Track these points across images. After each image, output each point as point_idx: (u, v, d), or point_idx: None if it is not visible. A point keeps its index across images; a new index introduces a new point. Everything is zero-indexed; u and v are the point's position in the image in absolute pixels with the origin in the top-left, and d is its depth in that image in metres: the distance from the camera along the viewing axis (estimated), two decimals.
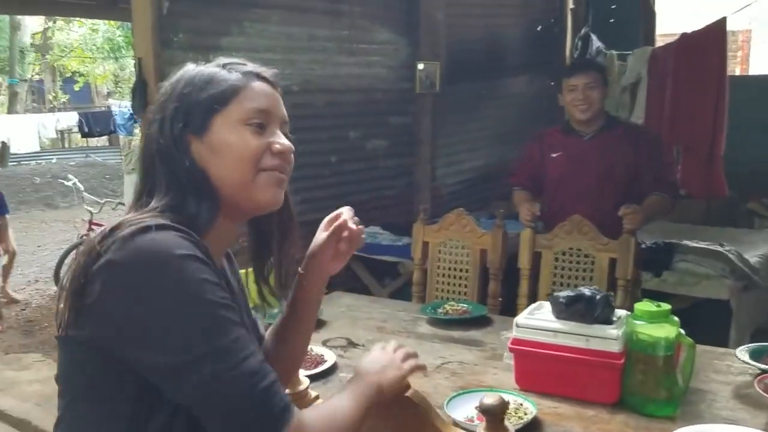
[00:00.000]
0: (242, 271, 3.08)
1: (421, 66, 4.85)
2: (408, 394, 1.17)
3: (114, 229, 0.95)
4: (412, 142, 5.05)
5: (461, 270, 2.91)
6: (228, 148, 1.03)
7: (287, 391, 1.32)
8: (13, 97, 15.99)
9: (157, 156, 1.04)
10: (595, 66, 3.11)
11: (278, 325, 1.26)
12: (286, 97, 3.99)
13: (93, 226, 6.31)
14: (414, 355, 1.23)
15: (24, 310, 5.64)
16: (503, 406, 1.14)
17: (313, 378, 1.81)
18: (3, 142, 12.67)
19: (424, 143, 5.05)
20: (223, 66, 1.08)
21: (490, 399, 1.14)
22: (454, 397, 1.68)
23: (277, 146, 1.06)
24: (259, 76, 1.09)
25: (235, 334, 0.92)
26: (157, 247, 0.91)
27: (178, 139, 1.03)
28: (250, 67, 1.09)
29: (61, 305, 0.97)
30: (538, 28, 6.00)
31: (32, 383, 4.04)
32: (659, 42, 5.82)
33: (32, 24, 16.77)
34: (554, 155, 3.06)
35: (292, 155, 1.09)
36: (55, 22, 17.04)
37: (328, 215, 1.28)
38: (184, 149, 1.03)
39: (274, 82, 1.11)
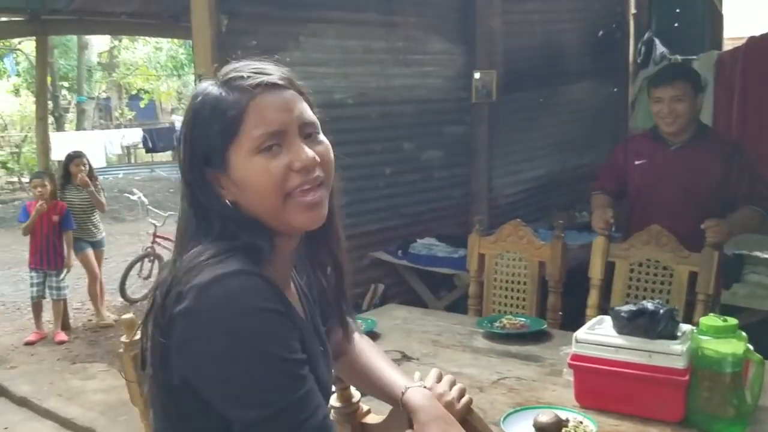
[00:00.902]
0: None
1: (477, 75, 4.80)
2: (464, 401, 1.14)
3: (190, 271, 0.93)
4: (468, 152, 5.00)
5: (519, 283, 2.85)
6: (249, 182, 0.97)
7: (339, 404, 1.31)
8: (81, 114, 16.63)
9: (190, 194, 1.01)
10: (684, 75, 2.86)
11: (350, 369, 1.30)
12: (340, 110, 4.00)
13: (157, 239, 6.50)
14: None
15: (91, 320, 5.82)
16: (558, 424, 1.11)
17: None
18: None
19: (480, 153, 5.00)
20: (224, 83, 0.99)
21: (545, 417, 1.11)
22: (511, 413, 1.64)
23: (297, 163, 0.98)
24: (263, 86, 0.98)
25: (305, 388, 0.92)
26: (234, 299, 0.90)
27: (204, 180, 1.00)
28: (251, 77, 0.98)
29: (144, 338, 1.00)
30: (599, 34, 5.88)
31: (97, 392, 4.19)
32: (726, 46, 5.61)
33: (99, 43, 17.44)
34: (638, 162, 2.92)
35: (328, 158, 1.02)
36: (120, 41, 17.67)
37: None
38: (211, 189, 1.00)
39: (280, 85, 1.00)
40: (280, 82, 0.99)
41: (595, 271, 2.69)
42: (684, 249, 2.56)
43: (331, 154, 1.03)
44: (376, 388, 1.26)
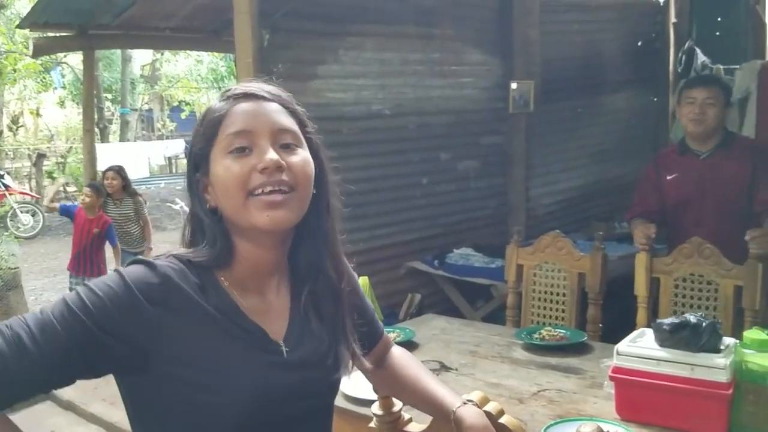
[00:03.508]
0: (363, 279, 3.09)
1: (514, 85, 4.81)
2: (503, 420, 1.15)
3: None
4: (505, 163, 5.00)
5: (558, 294, 2.84)
6: (218, 180, 1.03)
7: (381, 413, 1.33)
8: (124, 125, 17.05)
9: (189, 200, 1.10)
10: (719, 83, 2.97)
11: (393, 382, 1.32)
12: (377, 120, 4.07)
13: None
14: None
15: None
16: None
17: None
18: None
19: (517, 163, 4.99)
20: (221, 95, 1.10)
21: (587, 428, 1.11)
22: (551, 425, 1.64)
23: (260, 164, 1.01)
24: (244, 96, 1.06)
25: (34, 323, 0.93)
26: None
27: (194, 183, 1.08)
28: (237, 88, 1.07)
29: None
30: (639, 43, 5.83)
31: None
32: None
33: (141, 57, 17.87)
34: (670, 177, 2.93)
35: (301, 169, 1.04)
36: (162, 55, 18.08)
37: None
38: (197, 193, 1.07)
39: (261, 96, 1.06)
40: (265, 95, 1.06)
41: (641, 289, 2.64)
42: (727, 262, 2.50)
43: (308, 168, 1.05)
44: (422, 402, 1.27)
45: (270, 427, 1.05)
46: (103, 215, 5.30)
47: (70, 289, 5.31)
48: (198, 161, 1.06)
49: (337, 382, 1.17)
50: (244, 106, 1.04)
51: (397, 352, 1.36)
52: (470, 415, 1.16)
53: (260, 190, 1.01)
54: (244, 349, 1.04)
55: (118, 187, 5.46)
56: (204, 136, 1.05)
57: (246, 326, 1.05)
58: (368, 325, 1.27)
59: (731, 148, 2.85)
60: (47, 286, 7.53)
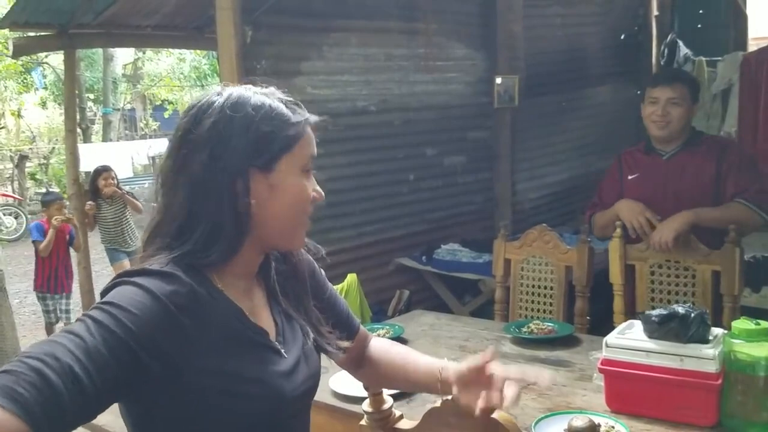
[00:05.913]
0: (351, 276, 3.08)
1: (498, 80, 4.81)
2: (495, 415, 1.14)
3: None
4: (491, 157, 5.00)
5: (545, 287, 2.84)
6: (289, 191, 1.05)
7: (371, 410, 1.32)
8: (107, 125, 16.88)
9: (202, 187, 1.01)
10: (683, 79, 2.71)
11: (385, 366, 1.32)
12: (362, 117, 4.07)
13: None
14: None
15: None
16: (593, 429, 1.11)
17: (396, 397, 1.80)
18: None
19: (503, 158, 5.00)
20: (285, 104, 1.07)
21: (579, 421, 1.11)
22: (542, 419, 1.63)
23: (317, 195, 1.10)
24: (310, 122, 1.10)
25: (79, 350, 0.85)
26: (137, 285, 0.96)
27: (242, 172, 1.01)
28: (305, 112, 1.10)
29: None
30: (622, 37, 5.86)
31: None
32: (751, 46, 5.56)
33: (123, 56, 17.70)
34: (631, 177, 2.76)
35: None
36: (144, 53, 17.92)
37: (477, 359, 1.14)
38: (245, 183, 1.02)
39: (314, 128, 1.12)
40: (313, 123, 1.11)
41: (615, 276, 2.62)
42: (704, 247, 2.46)
43: None
44: (410, 378, 1.28)
45: (273, 428, 1.07)
46: (66, 224, 5.18)
47: (48, 312, 5.21)
48: (259, 152, 1.02)
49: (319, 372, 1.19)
50: (312, 134, 1.09)
51: (375, 343, 1.37)
52: (454, 365, 1.19)
53: (307, 217, 1.09)
54: (256, 352, 1.05)
55: (114, 188, 5.44)
56: (283, 137, 1.04)
57: (253, 328, 1.06)
58: (343, 320, 1.28)
59: (698, 146, 2.66)
60: (31, 289, 7.43)
